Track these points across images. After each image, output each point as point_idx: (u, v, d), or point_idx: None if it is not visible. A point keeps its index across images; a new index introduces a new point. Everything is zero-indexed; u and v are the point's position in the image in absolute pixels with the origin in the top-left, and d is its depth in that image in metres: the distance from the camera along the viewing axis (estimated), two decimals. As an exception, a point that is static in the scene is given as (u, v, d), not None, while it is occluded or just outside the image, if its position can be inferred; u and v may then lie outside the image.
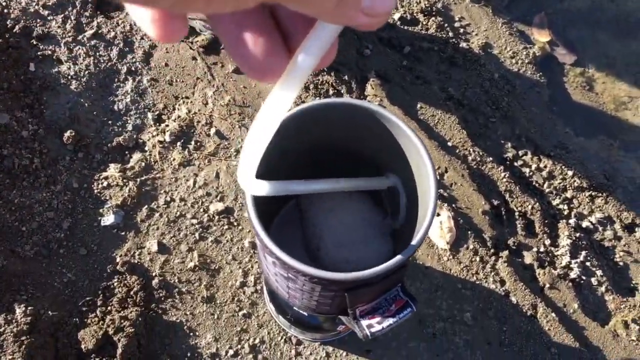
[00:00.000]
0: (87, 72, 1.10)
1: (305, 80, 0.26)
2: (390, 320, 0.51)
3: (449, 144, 1.15)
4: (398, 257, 0.45)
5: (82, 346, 0.87)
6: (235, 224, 1.01)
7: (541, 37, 1.39)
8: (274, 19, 0.24)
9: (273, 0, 0.19)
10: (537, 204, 1.11)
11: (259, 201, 0.49)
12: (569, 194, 1.16)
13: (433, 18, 1.33)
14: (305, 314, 0.85)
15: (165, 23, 0.21)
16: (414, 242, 0.47)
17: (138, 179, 1.03)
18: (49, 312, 0.89)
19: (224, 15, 0.23)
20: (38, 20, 1.13)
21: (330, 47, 0.25)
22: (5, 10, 1.11)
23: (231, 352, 0.92)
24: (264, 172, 0.40)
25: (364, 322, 0.52)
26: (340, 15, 0.21)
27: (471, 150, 1.15)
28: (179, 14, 0.21)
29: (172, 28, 0.21)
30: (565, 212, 1.14)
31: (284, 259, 0.46)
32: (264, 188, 0.42)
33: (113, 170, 1.02)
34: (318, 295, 0.53)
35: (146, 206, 1.01)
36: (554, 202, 1.15)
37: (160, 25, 0.21)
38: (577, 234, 1.10)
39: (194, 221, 1.00)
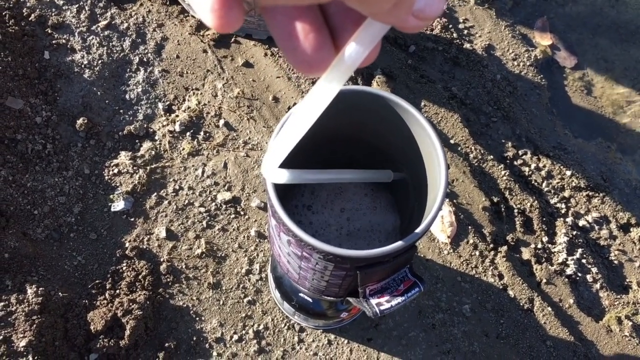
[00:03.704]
0: (100, 61, 1.12)
1: (349, 75, 0.27)
2: (399, 299, 0.53)
3: (451, 141, 1.18)
4: (412, 235, 0.48)
5: (91, 327, 0.89)
6: (241, 213, 1.04)
7: (543, 40, 1.42)
8: (323, 16, 0.25)
9: None
10: (536, 202, 1.14)
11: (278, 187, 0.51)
12: (566, 194, 1.19)
13: (438, 19, 1.36)
14: (310, 300, 0.87)
15: (225, 13, 0.21)
16: (427, 219, 0.49)
17: (148, 167, 1.05)
18: (60, 293, 0.91)
19: (279, 9, 0.24)
20: (53, 10, 1.15)
21: (375, 46, 0.26)
22: (21, -1, 1.14)
23: (236, 337, 0.94)
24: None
25: (373, 301, 0.55)
26: (393, 16, 0.23)
27: (473, 148, 1.18)
28: (237, 4, 0.21)
29: (230, 18, 0.21)
30: (563, 211, 1.17)
31: (301, 235, 0.48)
32: (283, 176, 0.44)
33: (124, 157, 1.05)
34: (329, 275, 0.56)
35: (155, 194, 1.03)
36: (552, 201, 1.18)
37: (219, 15, 0.21)
38: (574, 232, 1.13)
39: (202, 209, 1.03)
